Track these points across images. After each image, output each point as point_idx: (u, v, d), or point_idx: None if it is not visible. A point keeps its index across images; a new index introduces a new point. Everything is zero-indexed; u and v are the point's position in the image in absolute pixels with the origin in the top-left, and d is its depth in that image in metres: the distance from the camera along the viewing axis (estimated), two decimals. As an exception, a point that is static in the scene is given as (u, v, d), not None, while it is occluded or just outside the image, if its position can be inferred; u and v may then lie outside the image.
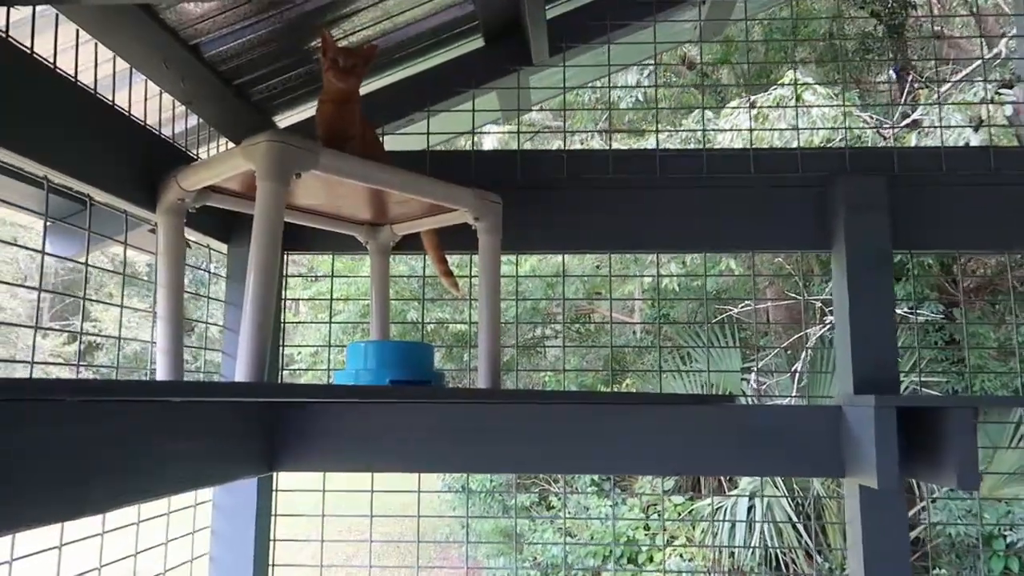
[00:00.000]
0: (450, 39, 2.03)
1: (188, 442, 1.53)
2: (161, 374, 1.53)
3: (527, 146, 7.22)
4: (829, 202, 1.92)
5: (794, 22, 6.50)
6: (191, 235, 1.79)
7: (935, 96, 5.95)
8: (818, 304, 5.61)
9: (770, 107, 5.25)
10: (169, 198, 1.54)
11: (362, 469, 1.81)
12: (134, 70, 1.59)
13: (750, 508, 5.79)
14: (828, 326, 5.63)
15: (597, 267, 8.52)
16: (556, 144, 8.51)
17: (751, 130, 1.97)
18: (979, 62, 6.47)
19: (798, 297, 5.93)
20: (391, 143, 2.21)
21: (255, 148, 1.33)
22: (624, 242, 2.01)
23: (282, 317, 2.02)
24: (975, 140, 4.91)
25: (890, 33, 9.09)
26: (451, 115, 2.34)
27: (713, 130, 4.87)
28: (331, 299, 2.09)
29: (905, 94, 6.96)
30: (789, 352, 6.64)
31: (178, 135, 1.83)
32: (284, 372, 2.04)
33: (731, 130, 4.78)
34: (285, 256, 2.04)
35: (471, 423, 1.78)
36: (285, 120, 2.06)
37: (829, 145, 4.64)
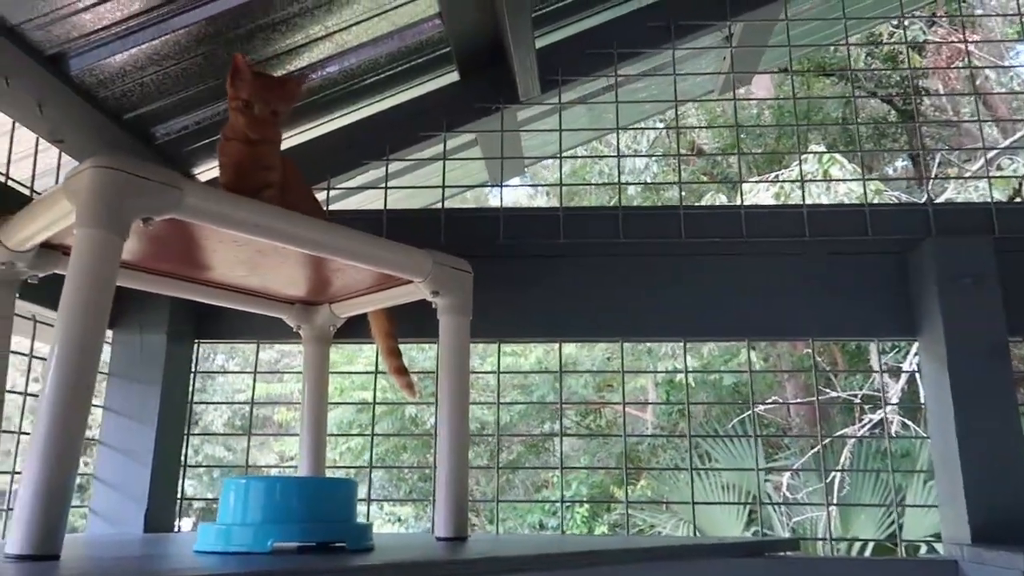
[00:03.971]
0: (415, 71, 1.61)
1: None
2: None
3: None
4: (914, 273, 1.44)
5: (808, 104, 6.21)
6: (47, 313, 1.32)
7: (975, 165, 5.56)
8: (855, 400, 5.04)
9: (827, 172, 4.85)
10: (-10, 262, 1.08)
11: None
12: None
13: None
14: (866, 424, 5.05)
15: (608, 359, 8.00)
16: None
17: (834, 180, 1.50)
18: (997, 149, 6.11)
19: (831, 392, 5.37)
20: (340, 206, 1.77)
21: (77, 180, 0.87)
22: (639, 327, 1.53)
23: (187, 429, 1.52)
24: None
25: (903, 119, 8.86)
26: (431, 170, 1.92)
27: (762, 180, 4.32)
28: (251, 403, 1.60)
29: (933, 174, 6.57)
30: (816, 452, 6.02)
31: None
32: (187, 501, 1.52)
33: (794, 181, 4.27)
34: (196, 346, 1.57)
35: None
36: (210, 171, 1.63)
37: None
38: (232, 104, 1.14)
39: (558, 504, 7.52)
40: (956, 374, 1.32)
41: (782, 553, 1.29)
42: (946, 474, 1.33)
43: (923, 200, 1.54)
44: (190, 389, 1.54)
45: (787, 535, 5.27)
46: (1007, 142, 6.28)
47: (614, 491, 7.67)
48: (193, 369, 1.54)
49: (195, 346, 1.55)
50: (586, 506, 7.34)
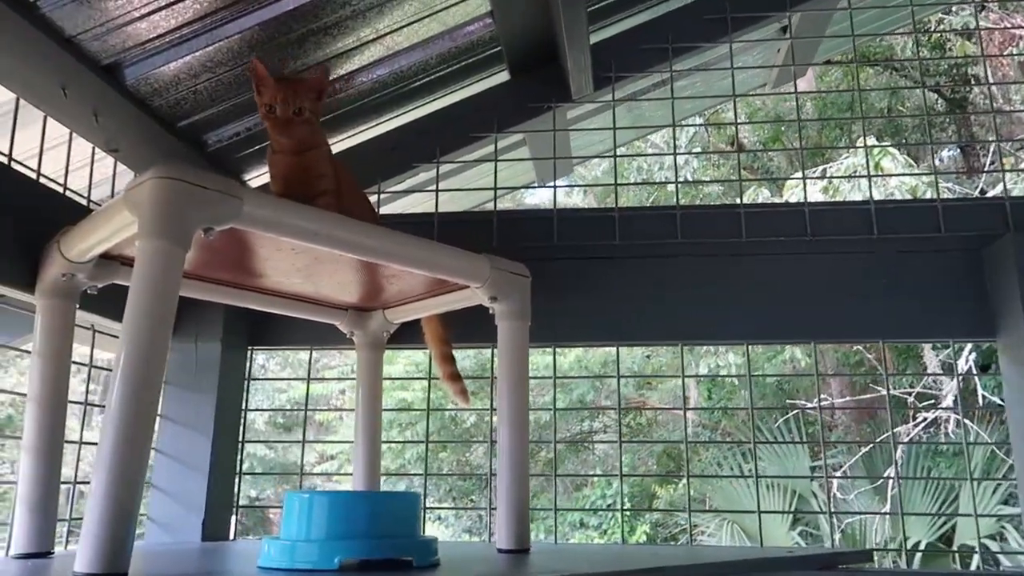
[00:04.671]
0: (465, 71, 1.58)
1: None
2: (17, 538, 1.03)
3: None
4: (992, 270, 1.37)
5: (852, 95, 6.05)
6: (110, 325, 1.32)
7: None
8: (909, 400, 4.91)
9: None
10: (50, 274, 1.07)
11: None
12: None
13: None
14: (919, 423, 4.92)
15: (648, 357, 7.91)
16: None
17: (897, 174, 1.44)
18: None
19: (881, 391, 5.22)
20: (389, 209, 1.76)
21: (138, 191, 0.86)
22: (699, 329, 1.49)
23: (241, 435, 1.52)
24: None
25: (951, 108, 8.60)
26: (475, 173, 1.89)
27: (824, 177, 4.25)
28: (305, 409, 1.59)
29: (988, 164, 6.38)
30: (864, 452, 5.87)
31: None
32: (242, 507, 1.52)
33: (858, 176, 4.19)
34: (250, 353, 1.56)
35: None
36: (260, 178, 1.62)
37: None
38: (260, 113, 1.12)
39: (602, 504, 7.43)
40: (1041, 378, 1.25)
41: (857, 566, 1.23)
42: (1030, 483, 1.27)
43: (985, 192, 1.46)
44: (244, 396, 1.53)
45: (837, 537, 5.16)
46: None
47: (655, 489, 7.58)
48: (247, 376, 1.54)
49: (248, 353, 1.55)
50: (628, 504, 7.24)
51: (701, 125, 7.47)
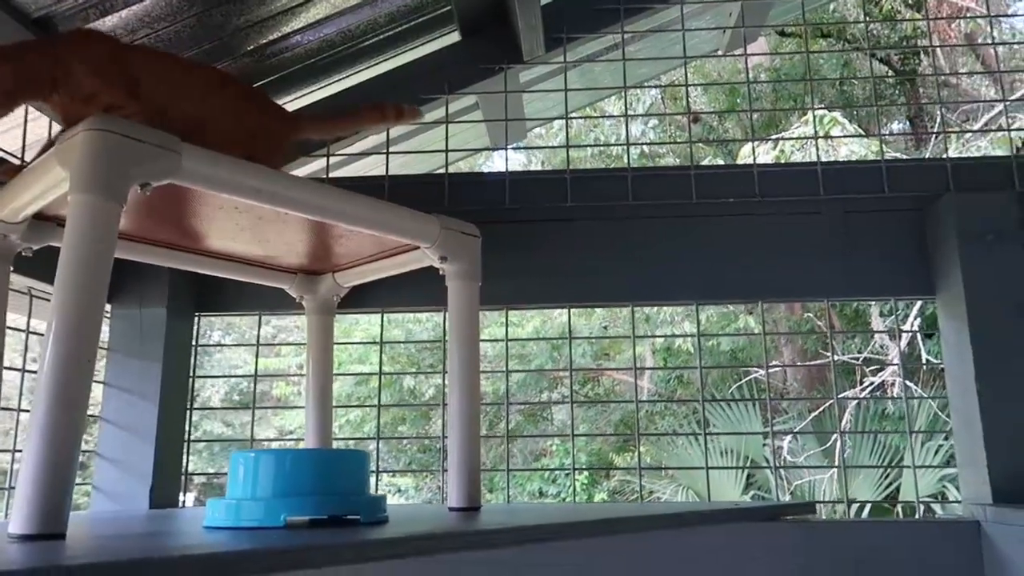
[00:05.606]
0: (415, 31, 1.56)
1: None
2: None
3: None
4: (932, 230, 1.41)
5: (805, 65, 6.12)
6: (44, 287, 1.28)
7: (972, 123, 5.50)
8: (857, 364, 5.04)
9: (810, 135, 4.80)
10: (-19, 234, 1.03)
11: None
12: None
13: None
14: (867, 387, 5.06)
15: (605, 328, 7.98)
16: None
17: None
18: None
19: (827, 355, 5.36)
20: (340, 173, 1.73)
21: (70, 144, 0.82)
22: (650, 290, 1.50)
23: (189, 403, 1.49)
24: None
25: (901, 80, 8.77)
26: (429, 136, 1.87)
27: (778, 137, 4.32)
28: (255, 376, 1.56)
29: (936, 136, 6.52)
30: (814, 416, 6.03)
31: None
32: (192, 475, 1.50)
33: (808, 138, 4.21)
34: (197, 319, 1.53)
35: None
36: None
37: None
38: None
39: (557, 472, 7.52)
40: (977, 333, 1.29)
41: (801, 517, 1.27)
42: (967, 435, 1.31)
43: (941, 155, 1.50)
44: (191, 364, 1.50)
45: (787, 499, 5.31)
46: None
47: (613, 458, 7.69)
48: (194, 343, 1.51)
49: (195, 320, 1.52)
50: (586, 473, 7.34)
51: (654, 87, 7.48)
